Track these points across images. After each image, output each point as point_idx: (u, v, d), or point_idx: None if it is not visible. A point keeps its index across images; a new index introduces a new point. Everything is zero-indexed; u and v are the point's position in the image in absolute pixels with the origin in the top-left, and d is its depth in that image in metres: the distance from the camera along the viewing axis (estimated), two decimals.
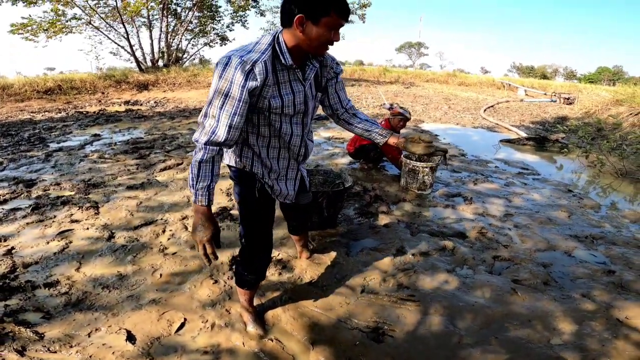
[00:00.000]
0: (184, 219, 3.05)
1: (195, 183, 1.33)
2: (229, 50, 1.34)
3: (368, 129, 1.68)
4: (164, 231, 2.85)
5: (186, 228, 2.90)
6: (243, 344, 1.76)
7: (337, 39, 1.34)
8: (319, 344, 1.75)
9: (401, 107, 4.16)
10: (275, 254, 2.49)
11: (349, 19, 1.52)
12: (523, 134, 7.10)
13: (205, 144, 1.31)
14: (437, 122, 8.54)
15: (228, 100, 1.29)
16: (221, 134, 1.31)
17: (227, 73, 1.27)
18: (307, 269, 2.34)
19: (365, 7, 17.70)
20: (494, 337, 1.80)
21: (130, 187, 3.75)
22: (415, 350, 1.73)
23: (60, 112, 8.79)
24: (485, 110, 10.38)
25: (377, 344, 1.77)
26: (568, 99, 13.36)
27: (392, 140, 1.64)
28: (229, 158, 1.60)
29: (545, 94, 15.41)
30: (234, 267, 2.22)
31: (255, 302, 1.96)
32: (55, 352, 1.68)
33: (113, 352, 1.68)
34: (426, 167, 3.66)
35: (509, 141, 6.71)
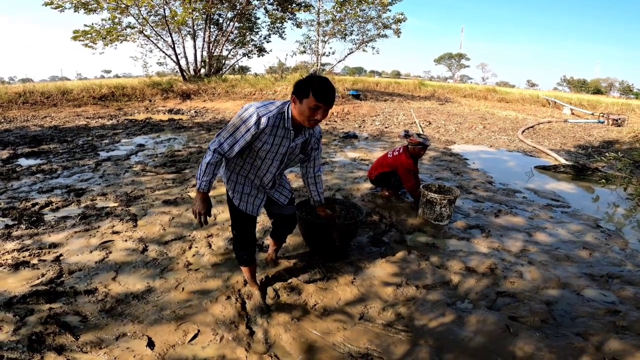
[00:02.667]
0: (209, 236, 3.33)
1: (201, 176, 1.97)
2: (255, 103, 1.94)
3: (312, 191, 2.47)
4: (190, 247, 3.14)
5: (210, 246, 3.17)
6: (246, 357, 1.97)
7: (320, 117, 1.87)
8: None
9: (419, 135, 4.18)
10: (287, 279, 2.70)
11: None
12: (562, 160, 6.85)
13: (214, 151, 1.95)
14: (469, 144, 8.44)
15: (237, 132, 1.92)
16: (225, 148, 1.95)
17: (244, 115, 1.90)
18: (313, 293, 2.53)
19: (400, 22, 17.83)
20: None
21: (165, 202, 4.12)
22: None
23: (112, 119, 9.67)
24: (523, 132, 10.07)
25: None
26: (617, 120, 12.60)
27: (320, 212, 2.59)
28: (228, 182, 2.20)
29: (592, 114, 14.63)
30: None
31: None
32: (87, 352, 1.97)
33: (134, 356, 1.95)
34: (444, 200, 3.69)
35: (544, 168, 6.50)
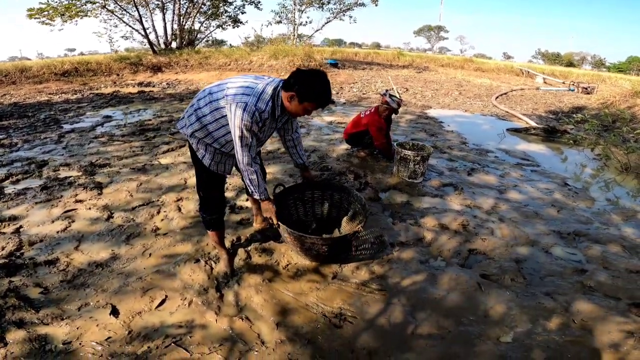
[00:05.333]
0: (178, 200, 3.24)
1: (257, 189, 2.02)
2: (243, 95, 1.81)
3: (293, 154, 2.36)
4: (158, 212, 3.04)
5: (180, 209, 3.08)
6: (216, 320, 1.93)
7: (309, 114, 1.96)
8: (283, 325, 1.91)
9: (392, 96, 4.18)
10: (259, 239, 2.65)
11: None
12: (533, 123, 6.97)
13: (248, 166, 1.94)
14: (445, 109, 8.46)
15: (247, 139, 1.87)
16: (252, 155, 1.94)
17: (246, 124, 1.81)
18: (285, 253, 2.49)
19: None
20: (448, 331, 1.91)
21: (133, 169, 3.95)
22: (369, 336, 1.86)
23: (77, 94, 9.11)
24: (497, 98, 10.17)
25: (336, 328, 1.90)
26: (586, 88, 12.88)
27: (305, 175, 2.46)
28: (200, 144, 2.03)
29: (563, 83, 14.88)
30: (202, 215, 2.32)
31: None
32: (48, 324, 1.89)
33: (97, 325, 1.88)
34: (417, 157, 3.72)
35: (516, 130, 6.62)
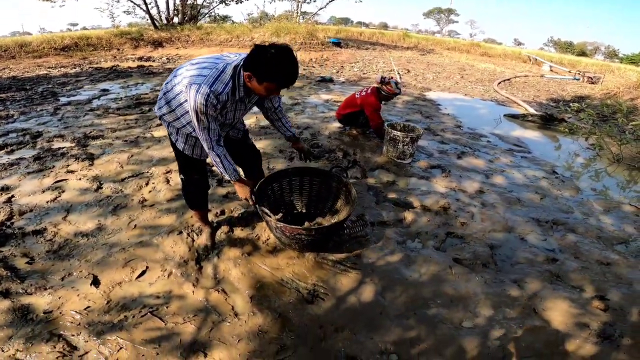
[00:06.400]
0: (167, 172, 3.31)
1: (225, 170, 1.90)
2: (199, 76, 1.68)
3: (279, 127, 2.27)
4: (147, 184, 3.12)
5: (168, 182, 3.15)
6: (192, 292, 2.02)
7: (276, 95, 1.80)
8: (257, 299, 1.99)
9: (397, 84, 4.15)
10: (243, 213, 2.71)
11: None
12: (532, 110, 6.93)
13: (213, 148, 1.84)
14: (445, 92, 8.38)
15: (204, 122, 1.75)
16: (215, 137, 1.82)
17: (198, 107, 1.68)
18: (266, 228, 2.54)
19: None
20: (414, 313, 1.98)
21: (125, 141, 4.01)
22: (338, 314, 1.95)
23: (76, 68, 9.07)
24: (499, 84, 10.04)
25: (307, 304, 1.99)
26: (592, 78, 12.65)
27: (296, 146, 2.38)
28: (172, 128, 2.00)
29: (569, 72, 14.62)
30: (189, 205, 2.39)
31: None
32: (32, 294, 1.97)
33: (78, 295, 1.96)
34: (407, 138, 3.75)
35: (513, 116, 6.57)
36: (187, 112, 1.83)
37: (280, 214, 2.11)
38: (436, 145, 4.58)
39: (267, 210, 2.06)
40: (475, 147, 4.65)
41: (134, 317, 1.85)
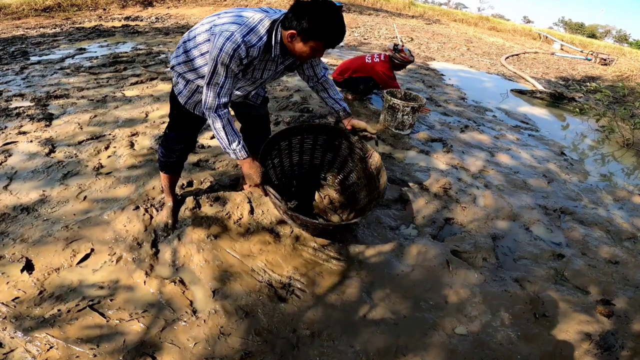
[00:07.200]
0: (133, 135, 2.91)
1: (229, 144, 1.59)
2: (232, 24, 1.43)
3: (325, 98, 1.93)
4: (107, 147, 2.73)
5: (132, 145, 2.76)
6: (144, 282, 1.70)
7: (319, 57, 1.60)
8: (221, 293, 1.68)
9: (410, 52, 3.85)
10: (214, 186, 2.35)
11: None
12: (540, 87, 6.51)
13: (217, 110, 1.55)
14: (449, 62, 7.89)
15: (222, 77, 1.48)
16: (225, 99, 1.55)
17: (223, 57, 1.42)
18: (240, 204, 2.20)
19: None
20: (402, 316, 1.70)
21: (91, 100, 3.56)
22: (315, 315, 1.65)
23: (56, 28, 8.31)
24: (507, 58, 9.47)
25: (280, 302, 1.68)
26: (605, 59, 12.01)
27: (347, 123, 1.98)
28: (180, 79, 1.69)
29: (582, 52, 13.93)
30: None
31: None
32: None
33: (7, 283, 1.63)
34: (407, 107, 3.40)
35: (520, 92, 6.16)
36: (207, 63, 1.54)
37: (294, 202, 1.78)
38: (438, 116, 4.20)
39: (275, 193, 1.69)
40: (479, 121, 4.29)
41: (69, 311, 1.54)
